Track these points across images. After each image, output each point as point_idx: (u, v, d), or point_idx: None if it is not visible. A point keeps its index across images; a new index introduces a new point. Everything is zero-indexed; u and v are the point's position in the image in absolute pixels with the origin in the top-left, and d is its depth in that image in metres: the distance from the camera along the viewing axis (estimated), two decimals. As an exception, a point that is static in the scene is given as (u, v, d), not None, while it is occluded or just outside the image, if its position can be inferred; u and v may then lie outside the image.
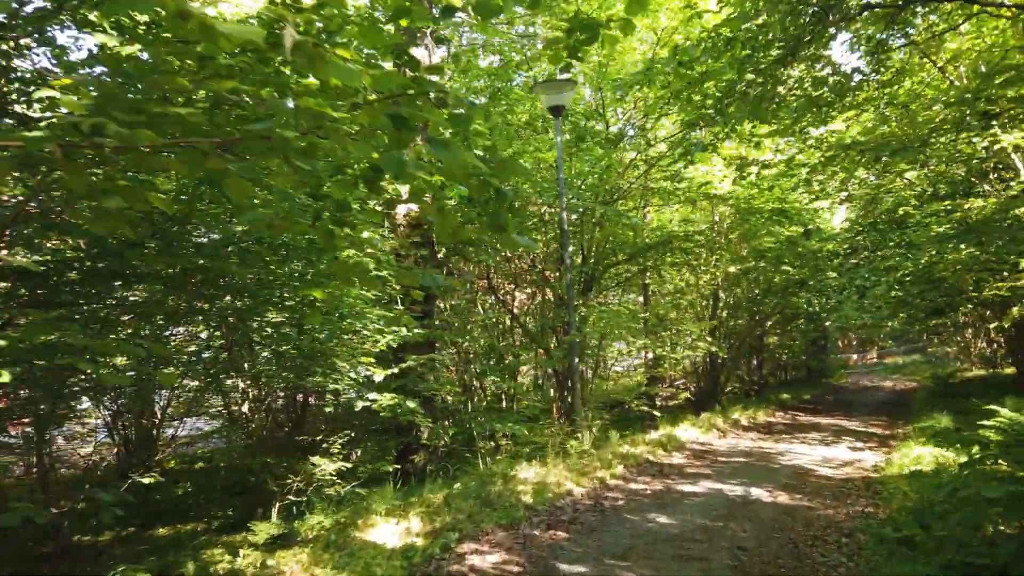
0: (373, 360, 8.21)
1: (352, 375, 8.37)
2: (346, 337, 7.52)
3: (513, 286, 13.27)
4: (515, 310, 16.31)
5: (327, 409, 8.31)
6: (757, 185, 13.98)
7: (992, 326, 10.49)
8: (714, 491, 7.47)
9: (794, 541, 5.66)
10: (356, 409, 8.17)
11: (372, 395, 7.93)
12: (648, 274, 15.89)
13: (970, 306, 11.98)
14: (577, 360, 9.28)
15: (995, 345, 20.15)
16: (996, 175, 10.98)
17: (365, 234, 8.90)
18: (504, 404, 12.57)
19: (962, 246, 12.13)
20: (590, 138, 11.86)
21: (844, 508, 6.69)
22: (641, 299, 16.76)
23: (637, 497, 7.17)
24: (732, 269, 14.12)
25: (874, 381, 25.39)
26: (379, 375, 8.08)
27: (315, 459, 6.52)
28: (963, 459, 8.44)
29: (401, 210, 10.11)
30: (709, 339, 13.79)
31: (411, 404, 7.71)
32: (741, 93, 6.67)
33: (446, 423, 9.95)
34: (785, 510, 6.66)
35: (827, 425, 13.32)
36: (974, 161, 10.97)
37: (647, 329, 13.25)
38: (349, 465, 6.56)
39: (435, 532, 5.43)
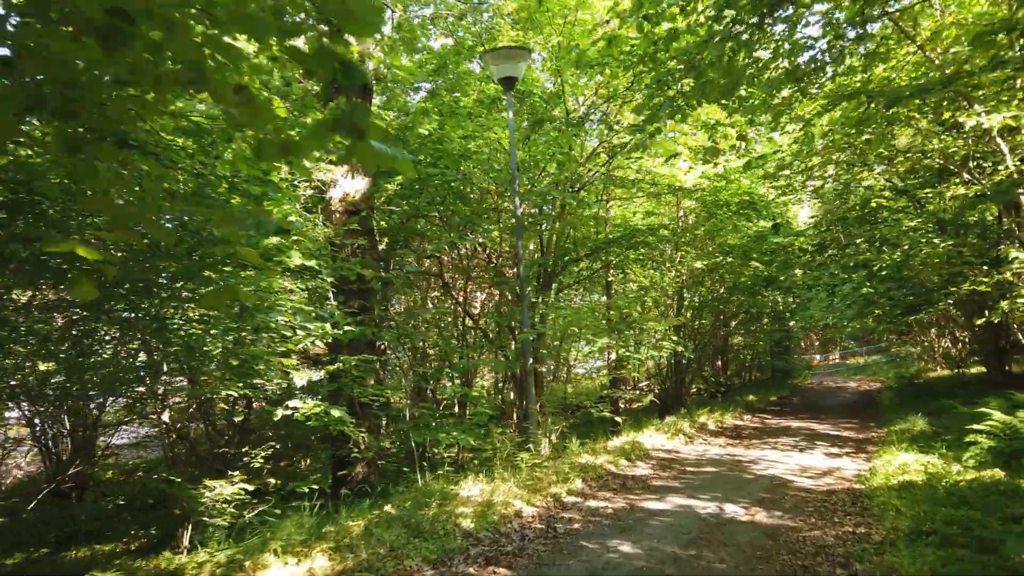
0: (296, 363, 7.07)
1: (277, 380, 7.22)
2: (258, 335, 6.35)
3: (466, 281, 12.18)
4: (475, 309, 15.22)
5: (236, 419, 7.11)
6: (724, 177, 13.12)
7: (979, 322, 9.72)
8: (684, 508, 6.46)
9: (781, 575, 4.66)
10: (276, 418, 7.02)
11: (293, 403, 6.78)
12: (611, 271, 14.97)
13: (950, 302, 11.22)
14: (532, 361, 8.23)
15: (960, 345, 19.65)
16: (975, 163, 10.24)
17: (294, 219, 7.79)
18: (457, 410, 11.50)
19: (936, 240, 11.41)
20: (549, 123, 10.86)
21: (832, 528, 5.73)
22: (604, 298, 15.82)
23: (596, 518, 6.12)
24: (698, 265, 13.22)
25: (838, 382, 24.85)
26: (301, 379, 6.94)
27: (209, 481, 5.34)
28: (955, 467, 7.60)
29: (336, 194, 8.97)
30: (674, 338, 12.88)
31: (336, 412, 6.57)
32: (718, 42, 5.70)
33: (386, 432, 8.83)
34: (766, 531, 5.68)
35: (798, 428, 12.48)
36: (951, 150, 10.23)
37: (610, 328, 12.28)
38: (250, 487, 5.38)
39: (344, 575, 4.31)
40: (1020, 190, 8.75)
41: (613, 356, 13.11)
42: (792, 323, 24.66)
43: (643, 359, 12.15)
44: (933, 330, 21.19)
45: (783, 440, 10.94)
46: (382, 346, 11.34)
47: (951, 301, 11.06)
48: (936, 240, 11.19)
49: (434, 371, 10.89)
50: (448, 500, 6.15)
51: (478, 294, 15.54)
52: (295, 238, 7.83)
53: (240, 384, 6.34)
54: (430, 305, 11.94)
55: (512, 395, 12.94)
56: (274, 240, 7.10)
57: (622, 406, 22.29)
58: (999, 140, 8.83)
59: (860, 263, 13.84)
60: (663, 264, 14.60)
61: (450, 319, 12.81)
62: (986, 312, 9.43)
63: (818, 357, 34.31)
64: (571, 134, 10.68)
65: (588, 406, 10.39)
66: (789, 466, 8.59)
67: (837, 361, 33.73)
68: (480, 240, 12.24)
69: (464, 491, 6.49)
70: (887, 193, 12.79)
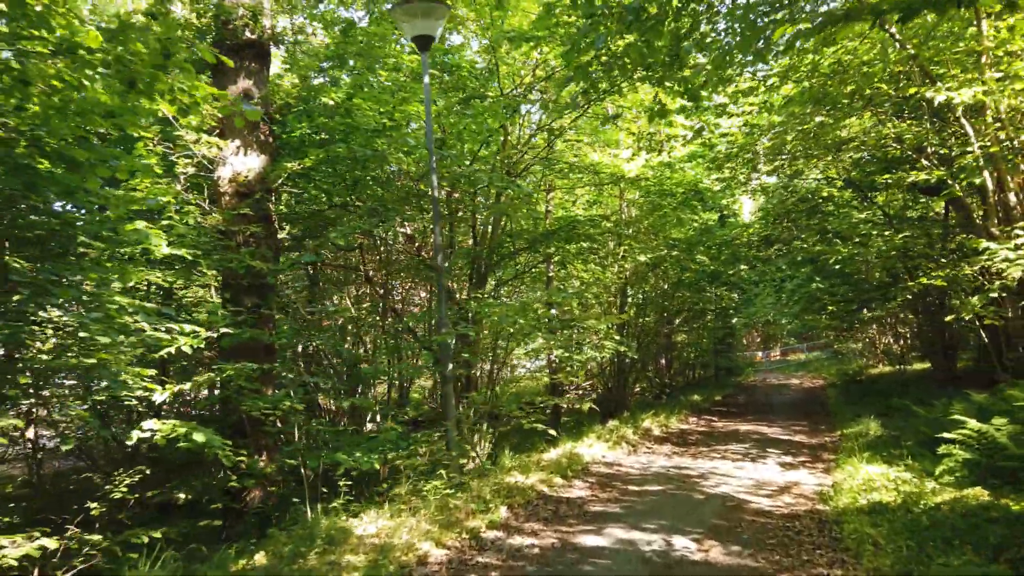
0: (153, 373, 5.69)
1: (130, 389, 5.80)
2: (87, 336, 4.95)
3: (386, 275, 10.85)
4: (415, 308, 13.88)
5: (65, 447, 5.69)
6: (669, 166, 12.15)
7: (948, 319, 8.86)
8: (625, 544, 5.33)
9: (748, 648, 3.55)
10: (131, 442, 5.65)
11: (149, 423, 5.40)
12: (552, 267, 13.88)
13: (908, 296, 10.44)
14: (452, 365, 7.00)
15: (902, 342, 19.25)
16: (933, 150, 9.45)
17: (164, 199, 6.43)
18: (378, 421, 10.20)
19: (887, 232, 10.67)
20: (479, 100, 9.61)
21: (802, 569, 4.68)
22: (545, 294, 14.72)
23: (519, 562, 4.93)
24: (642, 258, 12.20)
25: (780, 379, 24.37)
26: (161, 393, 5.56)
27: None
28: (929, 484, 6.69)
29: (225, 173, 7.57)
30: (616, 337, 11.83)
31: (200, 436, 5.21)
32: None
33: (280, 453, 7.47)
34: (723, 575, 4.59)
35: (747, 433, 11.57)
36: (907, 136, 9.41)
37: (548, 326, 11.13)
38: (51, 543, 3.98)
39: None
40: (986, 174, 7.98)
41: (554, 356, 11.99)
42: (735, 320, 24.08)
43: (582, 361, 11.04)
44: (874, 326, 20.81)
45: (733, 447, 9.99)
46: (317, 348, 9.92)
47: (908, 296, 10.26)
48: (887, 232, 10.42)
49: (333, 379, 9.55)
50: (336, 543, 4.87)
51: (420, 292, 14.23)
52: (165, 222, 6.46)
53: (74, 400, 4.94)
54: (348, 303, 10.57)
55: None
56: (138, 225, 5.71)
57: (565, 407, 21.25)
58: (963, 121, 8.02)
59: (808, 258, 13.07)
60: (606, 259, 13.55)
61: (376, 318, 11.47)
62: (954, 307, 8.56)
63: (760, 354, 34.03)
64: (503, 112, 9.49)
65: (519, 416, 9.12)
66: (742, 481, 7.58)
67: (778, 358, 33.53)
68: (407, 231, 10.93)
69: (361, 528, 5.23)
70: (838, 182, 12.03)
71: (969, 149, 7.84)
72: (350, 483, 6.04)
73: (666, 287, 15.43)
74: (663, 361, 20.92)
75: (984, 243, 7.26)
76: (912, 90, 7.51)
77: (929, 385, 14.40)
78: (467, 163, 9.64)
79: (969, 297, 7.69)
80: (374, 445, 6.48)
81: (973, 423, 6.60)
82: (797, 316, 17.52)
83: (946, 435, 6.88)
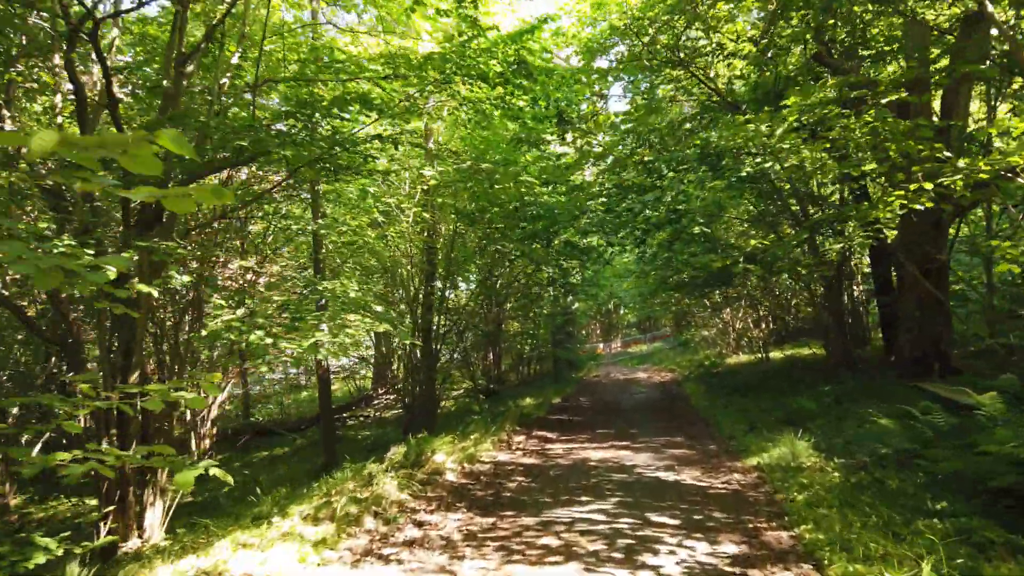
0: None
1: None
2: None
3: None
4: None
5: None
6: (476, 24, 6.91)
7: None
8: None
9: None
10: None
11: None
12: (321, 191, 8.32)
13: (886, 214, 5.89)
14: None
15: (762, 327, 15.52)
16: None
17: None
18: None
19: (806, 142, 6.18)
20: None
21: None
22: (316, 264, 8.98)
23: None
24: (428, 172, 6.85)
25: (626, 373, 20.18)
26: None
27: None
28: None
29: None
30: (393, 312, 6.45)
31: None
32: None
33: None
34: None
35: (603, 468, 6.54)
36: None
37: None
38: None
39: None
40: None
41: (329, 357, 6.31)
42: (576, 306, 19.62)
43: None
44: (727, 311, 17.08)
45: (584, 514, 4.84)
46: None
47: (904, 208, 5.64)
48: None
49: None
50: None
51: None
52: None
53: None
54: None
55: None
56: None
57: (372, 415, 15.59)
58: None
59: (664, 219, 8.43)
60: (400, 190, 8.08)
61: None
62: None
63: (601, 346, 30.11)
64: None
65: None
66: None
67: (620, 350, 29.80)
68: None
69: None
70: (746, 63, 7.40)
71: None
72: None
73: (492, 243, 10.22)
74: (492, 355, 15.90)
75: None
76: None
77: (819, 375, 10.43)
78: None
79: None
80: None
81: None
82: (653, 292, 13.13)
83: None
